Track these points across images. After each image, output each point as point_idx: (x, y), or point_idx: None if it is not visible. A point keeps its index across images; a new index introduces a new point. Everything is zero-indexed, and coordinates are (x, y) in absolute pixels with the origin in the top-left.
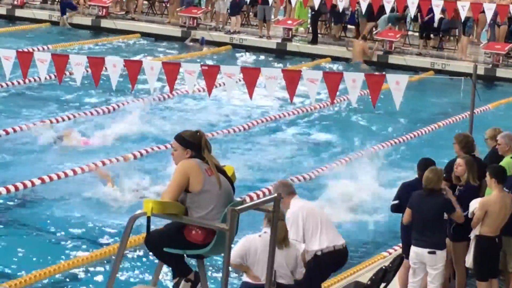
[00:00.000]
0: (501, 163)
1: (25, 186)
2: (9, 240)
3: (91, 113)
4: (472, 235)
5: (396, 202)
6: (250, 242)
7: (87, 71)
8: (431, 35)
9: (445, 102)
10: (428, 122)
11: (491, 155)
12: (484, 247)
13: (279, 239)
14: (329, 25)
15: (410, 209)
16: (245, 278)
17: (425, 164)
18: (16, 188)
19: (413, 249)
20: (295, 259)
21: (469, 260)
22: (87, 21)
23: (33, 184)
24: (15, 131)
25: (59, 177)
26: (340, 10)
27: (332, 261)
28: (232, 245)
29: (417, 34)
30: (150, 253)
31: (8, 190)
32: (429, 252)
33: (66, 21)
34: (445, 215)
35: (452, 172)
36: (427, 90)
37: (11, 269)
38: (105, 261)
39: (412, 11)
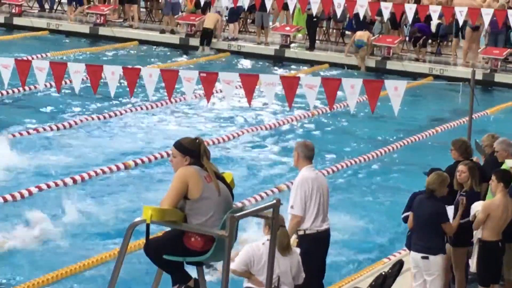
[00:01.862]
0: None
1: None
2: (8, 246)
3: (93, 118)
4: (475, 239)
5: (407, 214)
6: (254, 250)
7: (86, 78)
8: (428, 41)
9: (444, 107)
10: (426, 128)
11: (489, 161)
12: (487, 251)
13: (283, 246)
14: (327, 31)
15: (412, 212)
16: (246, 283)
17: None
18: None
19: (411, 254)
20: (298, 264)
21: (473, 265)
22: (85, 29)
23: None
24: (14, 136)
25: (59, 184)
26: (338, 16)
27: (314, 241)
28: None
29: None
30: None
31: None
32: (422, 257)
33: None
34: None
35: (454, 178)
36: (426, 96)
37: (7, 276)
38: (104, 268)
39: (409, 17)
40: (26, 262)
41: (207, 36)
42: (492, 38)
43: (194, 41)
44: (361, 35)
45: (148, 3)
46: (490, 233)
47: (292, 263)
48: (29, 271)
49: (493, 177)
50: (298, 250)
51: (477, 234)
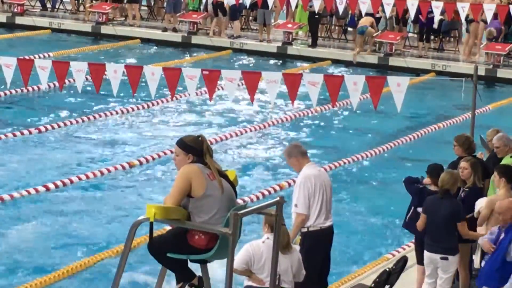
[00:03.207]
0: (504, 163)
1: (28, 192)
2: (13, 245)
3: (94, 117)
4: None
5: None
6: (254, 248)
7: (90, 78)
8: (431, 37)
9: (446, 103)
10: (429, 123)
11: (492, 156)
12: None
13: (283, 244)
14: (329, 28)
15: (425, 214)
16: (247, 282)
17: (434, 168)
18: (29, 192)
19: (426, 254)
20: (298, 262)
21: (477, 261)
22: (87, 27)
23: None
24: (15, 136)
25: (66, 183)
26: (340, 13)
27: (318, 238)
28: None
29: (417, 36)
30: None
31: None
32: (442, 258)
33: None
34: None
35: None
36: (428, 92)
37: (10, 275)
38: (109, 266)
39: (412, 13)
40: (28, 262)
41: (218, 7)
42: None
43: (196, 39)
44: (363, 21)
45: (152, 1)
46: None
47: (293, 261)
48: (31, 271)
49: (495, 172)
50: (298, 247)
51: (481, 230)
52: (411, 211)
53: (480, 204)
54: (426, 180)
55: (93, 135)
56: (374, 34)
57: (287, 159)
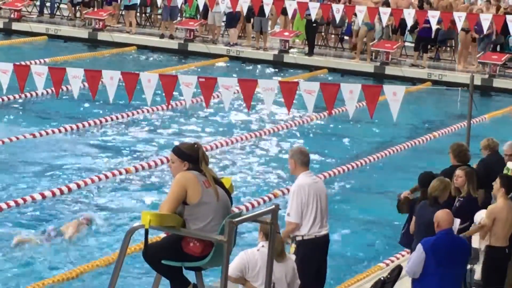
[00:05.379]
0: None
1: (25, 201)
2: (7, 252)
3: (89, 124)
4: (482, 247)
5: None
6: (249, 256)
7: (84, 85)
8: (428, 46)
9: (442, 112)
10: (425, 133)
11: (485, 164)
12: (494, 257)
13: (277, 252)
14: (326, 36)
15: (414, 216)
16: None
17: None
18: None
19: None
20: (293, 271)
21: (477, 272)
22: (84, 34)
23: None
24: (11, 141)
25: (62, 192)
26: (337, 22)
27: (312, 247)
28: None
29: (413, 45)
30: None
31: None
32: None
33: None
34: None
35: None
36: (424, 101)
37: (8, 281)
38: (103, 273)
39: (408, 22)
40: (20, 268)
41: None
42: (479, 42)
43: (193, 46)
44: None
45: (148, 8)
46: (497, 238)
47: (287, 270)
48: (23, 278)
49: (497, 180)
50: (293, 257)
51: (484, 241)
52: (406, 227)
53: (481, 216)
54: (405, 193)
55: (89, 141)
56: (371, 43)
57: (288, 157)
